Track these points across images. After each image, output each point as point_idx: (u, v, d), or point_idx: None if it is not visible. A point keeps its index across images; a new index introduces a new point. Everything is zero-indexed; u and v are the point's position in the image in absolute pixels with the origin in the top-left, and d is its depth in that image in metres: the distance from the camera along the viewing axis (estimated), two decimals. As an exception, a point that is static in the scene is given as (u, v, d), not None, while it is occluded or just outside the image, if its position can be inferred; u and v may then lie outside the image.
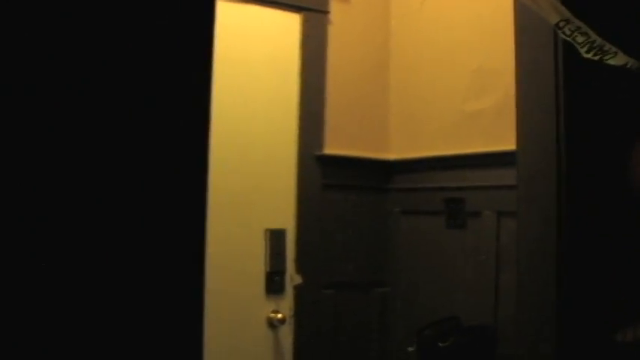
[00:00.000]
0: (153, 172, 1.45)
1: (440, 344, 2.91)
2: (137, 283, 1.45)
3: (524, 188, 2.48)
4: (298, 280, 3.38)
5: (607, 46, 2.06)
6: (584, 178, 2.33)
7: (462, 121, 3.31)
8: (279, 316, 3.31)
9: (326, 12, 3.56)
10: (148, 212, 1.46)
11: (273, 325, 3.31)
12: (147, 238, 1.46)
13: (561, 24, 2.04)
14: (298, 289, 3.39)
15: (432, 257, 3.42)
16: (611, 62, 2.10)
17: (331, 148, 3.52)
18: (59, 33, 1.35)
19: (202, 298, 1.55)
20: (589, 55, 2.08)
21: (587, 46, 2.07)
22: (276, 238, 3.35)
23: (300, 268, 3.40)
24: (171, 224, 1.48)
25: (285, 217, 3.40)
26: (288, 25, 3.47)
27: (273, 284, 3.34)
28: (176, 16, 1.48)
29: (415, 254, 3.51)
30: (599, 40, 2.05)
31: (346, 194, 3.57)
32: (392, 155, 3.70)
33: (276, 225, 3.37)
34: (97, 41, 1.39)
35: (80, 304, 1.38)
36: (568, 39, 2.07)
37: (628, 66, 2.11)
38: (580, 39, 2.06)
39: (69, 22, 1.37)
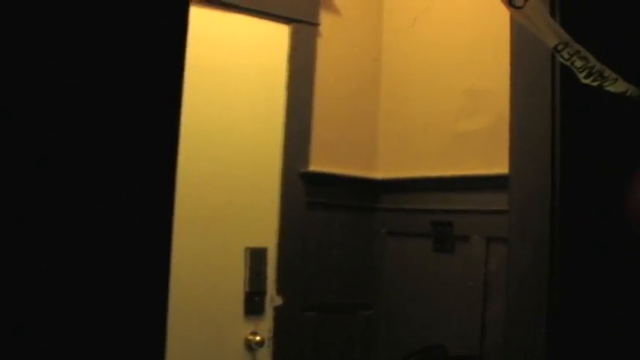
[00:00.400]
0: (116, 184, 1.34)
1: (424, 374, 2.81)
2: (98, 303, 1.34)
3: (516, 213, 2.39)
4: (279, 301, 3.28)
5: (607, 72, 1.98)
6: (580, 204, 2.25)
7: (453, 141, 3.22)
8: (258, 338, 3.20)
9: (316, 24, 3.46)
10: (110, 228, 1.35)
11: (251, 347, 3.20)
12: (108, 255, 1.35)
13: (560, 47, 1.96)
14: (278, 311, 3.28)
15: (418, 281, 3.33)
16: (611, 89, 2.02)
17: (317, 165, 3.42)
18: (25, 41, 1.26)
19: (166, 319, 1.43)
20: (588, 81, 2.00)
21: (586, 71, 1.99)
22: (256, 256, 3.24)
23: (281, 288, 3.29)
24: (134, 240, 1.37)
25: (266, 235, 3.29)
26: (277, 36, 3.38)
27: (253, 305, 3.23)
28: (147, 25, 1.37)
29: (401, 277, 3.42)
30: (598, 66, 1.97)
31: (331, 213, 3.47)
32: (379, 174, 3.60)
33: (257, 243, 3.26)
34: (60, 49, 1.29)
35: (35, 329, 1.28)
36: (566, 63, 1.99)
37: (628, 93, 2.04)
38: (579, 63, 1.98)
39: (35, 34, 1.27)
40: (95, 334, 1.36)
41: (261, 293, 3.25)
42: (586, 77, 1.97)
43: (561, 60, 1.99)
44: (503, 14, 2.18)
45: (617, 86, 1.99)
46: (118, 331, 1.39)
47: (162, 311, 1.43)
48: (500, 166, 2.62)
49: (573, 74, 2.01)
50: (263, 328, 3.25)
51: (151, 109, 1.41)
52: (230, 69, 3.23)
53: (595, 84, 1.98)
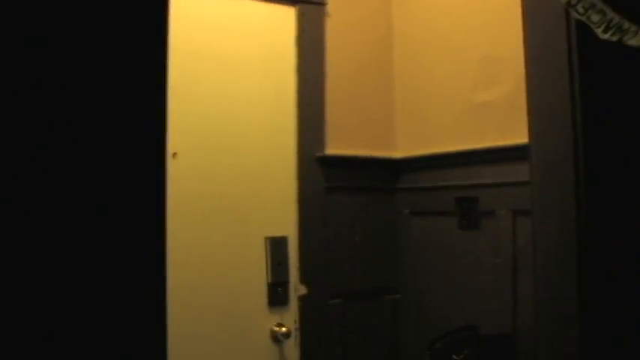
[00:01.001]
0: (99, 175, 1.26)
1: (454, 357, 2.71)
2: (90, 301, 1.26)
3: (538, 184, 2.28)
4: (302, 290, 3.19)
5: (626, 25, 1.86)
6: (605, 171, 2.13)
7: (471, 113, 3.11)
8: (284, 329, 3.12)
9: (323, 4, 3.37)
10: (95, 223, 1.26)
11: (277, 339, 3.13)
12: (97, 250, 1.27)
13: (573, 1, 1.85)
14: (303, 300, 3.20)
15: (444, 261, 3.23)
16: (632, 43, 1.89)
17: (333, 148, 3.32)
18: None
19: (165, 319, 1.34)
20: (606, 36, 1.88)
21: (604, 25, 1.87)
22: (277, 246, 3.16)
23: (304, 277, 3.21)
24: (123, 237, 1.28)
25: (286, 223, 3.21)
26: (283, 19, 3.28)
27: (276, 296, 3.15)
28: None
29: (427, 258, 3.33)
30: (617, 18, 1.85)
31: (351, 197, 3.37)
32: (398, 153, 3.50)
33: (276, 232, 3.18)
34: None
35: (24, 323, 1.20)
36: (582, 18, 1.87)
37: (650, 46, 1.91)
38: (595, 18, 1.86)
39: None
40: (89, 331, 1.27)
41: (285, 283, 3.18)
42: (604, 32, 1.85)
43: (576, 15, 1.87)
44: (513, -25, 2.07)
45: (638, 39, 1.86)
46: (114, 330, 1.30)
47: (161, 310, 1.33)
48: (522, 136, 2.51)
49: (590, 31, 1.89)
50: (288, 319, 3.17)
51: (134, 97, 1.31)
52: (238, 55, 3.15)
53: (614, 38, 1.86)
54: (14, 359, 1.20)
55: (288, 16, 3.29)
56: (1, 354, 1.20)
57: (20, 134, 1.21)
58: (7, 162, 1.21)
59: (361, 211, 3.40)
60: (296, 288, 3.19)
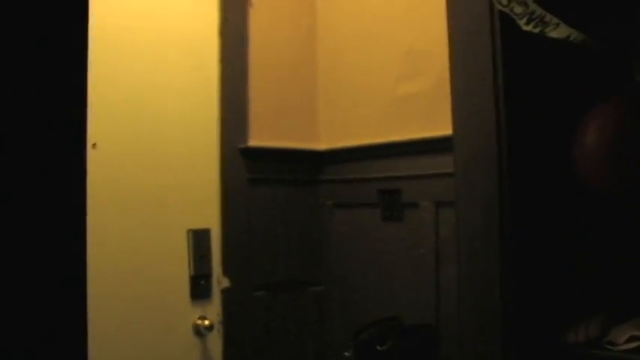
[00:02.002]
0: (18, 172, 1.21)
1: (378, 347, 2.72)
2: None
3: (462, 176, 2.29)
4: (226, 283, 3.16)
5: (548, 17, 1.89)
6: (528, 162, 2.16)
7: (394, 106, 3.13)
8: (207, 322, 3.07)
9: (246, -7, 3.32)
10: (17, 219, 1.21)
11: (200, 332, 3.08)
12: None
13: (497, -8, 1.86)
14: (226, 293, 3.16)
15: (368, 252, 3.24)
16: (553, 35, 1.93)
17: (256, 140, 3.29)
18: None
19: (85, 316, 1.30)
20: (528, 28, 1.91)
21: (527, 17, 1.89)
22: (199, 238, 3.11)
23: (227, 270, 3.17)
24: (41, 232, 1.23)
25: (208, 215, 3.16)
26: (205, 7, 3.22)
27: (199, 289, 3.10)
28: None
29: (350, 250, 3.33)
30: (539, 11, 1.88)
31: (274, 188, 3.35)
32: (321, 145, 3.48)
33: (199, 225, 3.13)
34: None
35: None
36: (505, 9, 1.89)
37: (571, 39, 1.95)
38: (518, 9, 1.88)
39: None
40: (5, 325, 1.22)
41: (207, 276, 3.13)
42: (526, 24, 1.88)
43: (499, 7, 1.89)
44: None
45: (559, 32, 1.89)
46: (33, 324, 1.25)
47: (80, 304, 1.29)
48: (445, 128, 2.53)
49: (513, 23, 1.92)
50: (211, 312, 3.13)
51: (53, 84, 1.26)
52: (160, 44, 3.08)
53: (536, 30, 1.89)
54: None
55: (210, 4, 3.24)
56: None
57: None
58: None
59: (284, 203, 3.38)
60: (219, 281, 3.15)
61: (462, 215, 2.29)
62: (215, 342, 3.13)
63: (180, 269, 3.08)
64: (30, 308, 1.23)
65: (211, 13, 3.22)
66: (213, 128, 3.19)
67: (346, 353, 2.84)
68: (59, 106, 1.25)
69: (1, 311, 1.21)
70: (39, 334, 1.24)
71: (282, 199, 3.37)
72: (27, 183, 1.23)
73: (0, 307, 1.21)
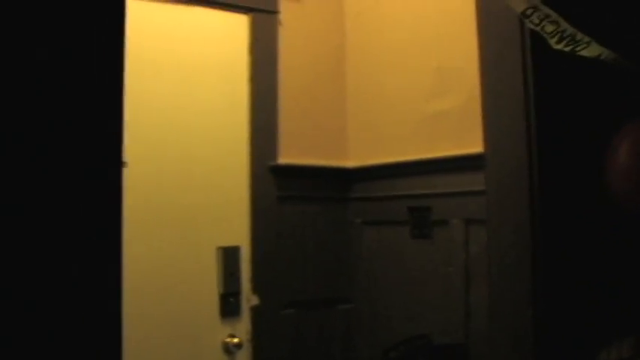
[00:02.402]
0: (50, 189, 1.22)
1: (408, 366, 2.71)
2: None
3: (494, 194, 2.29)
4: (255, 300, 3.16)
5: (579, 36, 1.88)
6: (559, 180, 2.15)
7: (424, 123, 3.12)
8: (236, 340, 3.09)
9: (276, 12, 3.35)
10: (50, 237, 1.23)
11: (229, 350, 3.09)
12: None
13: (528, 12, 1.86)
14: (255, 311, 3.17)
15: (397, 270, 3.23)
16: (584, 53, 1.91)
17: (286, 158, 3.30)
18: None
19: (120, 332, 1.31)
20: (559, 46, 1.90)
21: (558, 36, 1.88)
22: (229, 256, 3.13)
23: (256, 287, 3.18)
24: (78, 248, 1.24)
25: (238, 233, 3.18)
26: (236, 27, 3.26)
27: (228, 306, 3.12)
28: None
29: (379, 267, 3.32)
30: (570, 29, 1.87)
31: (304, 206, 3.35)
32: (351, 163, 3.49)
33: (228, 242, 3.14)
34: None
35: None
36: (536, 29, 1.88)
37: (602, 57, 1.93)
38: (549, 28, 1.87)
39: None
40: (43, 343, 1.23)
41: (237, 294, 3.15)
42: (558, 42, 1.87)
43: (531, 26, 1.89)
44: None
45: (590, 50, 1.88)
46: (69, 343, 1.26)
47: (116, 321, 1.30)
48: (475, 146, 2.53)
49: (544, 41, 1.91)
50: (241, 330, 3.14)
51: (89, 107, 1.28)
52: (191, 64, 3.12)
53: (567, 49, 1.88)
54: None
55: (241, 24, 3.27)
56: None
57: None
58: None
59: (314, 221, 3.39)
60: (248, 298, 3.16)
61: (493, 233, 2.28)
62: (244, 360, 3.14)
63: (210, 287, 3.10)
64: (66, 325, 1.24)
65: (241, 33, 3.25)
66: (243, 146, 3.21)
67: (376, 371, 2.83)
68: (97, 125, 1.27)
69: (37, 327, 1.22)
70: (77, 350, 1.25)
71: (311, 216, 3.38)
72: (64, 200, 1.24)
73: (34, 323, 1.22)
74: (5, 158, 1.18)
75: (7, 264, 1.18)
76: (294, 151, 3.33)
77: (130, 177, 2.78)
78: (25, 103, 1.21)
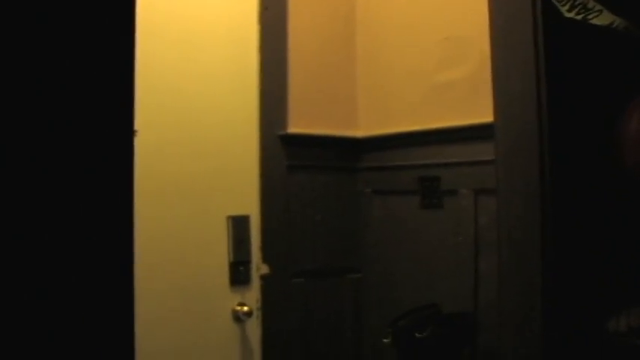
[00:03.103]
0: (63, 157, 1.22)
1: (417, 335, 2.72)
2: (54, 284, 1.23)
3: (503, 163, 2.28)
4: (265, 269, 3.18)
5: (591, 4, 1.86)
6: (570, 150, 2.14)
7: (434, 93, 3.11)
8: (246, 308, 3.10)
9: (286, -21, 3.32)
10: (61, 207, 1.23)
11: (239, 318, 3.10)
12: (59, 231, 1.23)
13: (540, -20, 1.84)
14: (265, 280, 3.18)
15: (406, 240, 3.24)
16: (596, 22, 1.90)
17: (295, 127, 3.29)
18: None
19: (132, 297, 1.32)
20: (571, 15, 1.89)
21: (569, 3, 1.87)
22: (239, 225, 3.13)
23: (266, 256, 3.19)
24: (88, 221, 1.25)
25: (248, 202, 3.18)
26: (245, -5, 3.23)
27: (238, 275, 3.12)
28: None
29: (389, 237, 3.33)
30: (581, -3, 1.85)
31: (313, 175, 3.36)
32: (360, 132, 3.48)
33: (238, 211, 3.15)
34: None
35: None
36: (547, -4, 1.87)
37: (614, 26, 1.92)
38: (561, -4, 1.86)
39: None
40: (53, 309, 1.24)
41: (246, 263, 3.15)
42: (569, 10, 1.86)
43: (542, -6, 1.87)
44: (478, -49, 2.06)
45: (602, 18, 1.87)
46: (81, 309, 1.27)
47: (128, 290, 1.31)
48: (485, 115, 2.51)
49: (555, 9, 1.89)
50: (250, 298, 3.15)
51: (98, 75, 1.27)
52: (200, 31, 3.10)
53: (579, 17, 1.86)
54: None
55: (250, -10, 3.24)
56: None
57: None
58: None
59: (323, 190, 3.39)
60: (258, 267, 3.17)
61: (503, 203, 2.27)
62: (254, 328, 3.15)
63: (220, 255, 3.10)
64: (79, 294, 1.25)
65: (251, 1, 3.23)
66: (252, 115, 3.20)
67: (384, 340, 2.84)
68: (107, 92, 1.26)
69: (49, 297, 1.23)
70: (90, 319, 1.25)
71: (320, 186, 3.38)
72: (74, 170, 1.25)
73: (45, 293, 1.23)
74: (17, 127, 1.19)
75: (25, 229, 1.19)
76: (303, 121, 3.33)
77: (139, 145, 2.79)
78: (35, 69, 1.20)
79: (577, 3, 1.86)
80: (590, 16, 1.89)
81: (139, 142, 2.80)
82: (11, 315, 1.19)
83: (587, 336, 2.08)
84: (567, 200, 2.12)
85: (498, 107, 2.27)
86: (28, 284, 1.21)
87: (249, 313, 3.10)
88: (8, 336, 1.19)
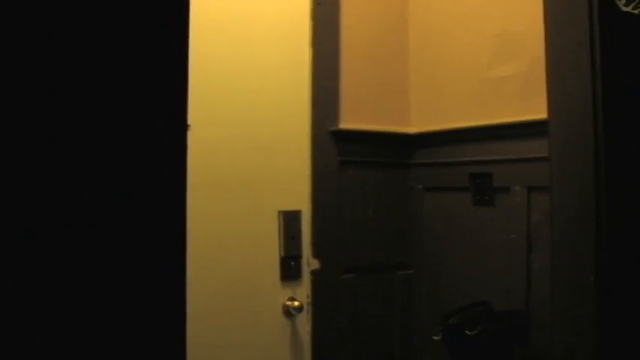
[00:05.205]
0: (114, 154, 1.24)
1: (467, 332, 2.70)
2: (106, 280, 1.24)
3: (557, 160, 2.25)
4: (315, 264, 3.18)
5: (649, -2, 1.83)
6: (625, 147, 2.10)
7: (487, 89, 3.09)
8: (296, 303, 3.10)
9: (338, -26, 3.32)
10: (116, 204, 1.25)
11: (289, 313, 3.11)
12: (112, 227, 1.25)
13: (596, -27, 1.81)
14: (315, 275, 3.18)
15: (458, 236, 3.22)
16: (654, 16, 1.87)
17: (347, 123, 3.30)
18: None
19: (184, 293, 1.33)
20: (628, 9, 1.86)
21: (626, -2, 1.84)
22: (290, 220, 3.14)
23: (316, 251, 3.19)
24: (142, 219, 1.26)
25: (299, 197, 3.18)
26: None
27: (289, 270, 3.13)
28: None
29: (440, 234, 3.31)
30: (639, -9, 1.82)
31: (365, 171, 3.35)
32: (413, 128, 3.47)
33: (290, 206, 3.15)
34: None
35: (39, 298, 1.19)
36: (604, -9, 1.84)
37: (673, 20, 1.88)
38: (618, -10, 1.83)
39: None
40: (105, 301, 1.26)
41: (297, 257, 3.16)
42: (626, 5, 1.83)
43: (598, -12, 1.85)
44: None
45: (660, 13, 1.83)
46: (134, 303, 1.28)
47: (180, 286, 1.32)
48: (539, 112, 2.49)
49: (612, 3, 1.86)
50: (301, 293, 3.16)
51: (151, 71, 1.29)
52: (251, 27, 3.10)
53: (636, 12, 1.83)
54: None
55: (302, -14, 3.25)
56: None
57: (36, 99, 1.19)
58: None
59: (375, 186, 3.38)
60: (309, 262, 3.18)
61: (556, 201, 2.25)
62: (304, 323, 3.16)
63: (271, 250, 3.11)
64: (132, 289, 1.27)
65: (304, -4, 3.23)
66: (304, 110, 3.21)
67: (435, 337, 2.83)
68: (161, 87, 1.28)
69: (102, 291, 1.25)
70: (142, 314, 1.27)
71: (372, 181, 3.38)
72: (128, 165, 1.26)
73: (99, 288, 1.24)
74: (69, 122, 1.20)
75: (77, 225, 1.21)
76: (356, 116, 3.33)
77: (192, 140, 2.82)
78: (90, 65, 1.22)
79: (634, -3, 1.83)
80: (647, 11, 1.86)
81: (192, 138, 2.84)
82: (62, 309, 1.21)
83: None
84: (621, 198, 2.08)
85: (552, 104, 2.25)
86: (80, 279, 1.23)
87: (299, 308, 3.10)
88: (63, 327, 1.21)
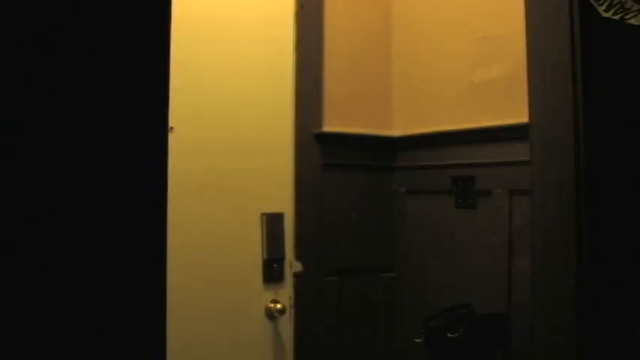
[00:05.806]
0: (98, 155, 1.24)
1: (449, 335, 2.72)
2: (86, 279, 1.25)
3: (538, 164, 2.27)
4: (298, 267, 3.18)
5: (629, 4, 1.85)
6: (605, 150, 2.12)
7: (469, 93, 3.10)
8: (279, 306, 3.10)
9: (322, -23, 3.33)
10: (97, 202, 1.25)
11: (272, 316, 3.11)
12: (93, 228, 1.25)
13: (577, -21, 1.83)
14: (298, 277, 3.18)
15: (440, 240, 3.23)
16: (633, 22, 1.89)
17: (331, 126, 3.31)
18: None
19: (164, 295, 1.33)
20: (608, 14, 1.88)
21: (607, 3, 1.86)
22: (273, 222, 3.14)
23: (299, 254, 3.19)
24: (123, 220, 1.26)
25: (282, 200, 3.18)
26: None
27: (272, 272, 3.12)
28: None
29: (422, 236, 3.33)
30: (619, -3, 1.84)
31: (348, 174, 3.36)
32: (396, 131, 3.48)
33: (273, 209, 3.15)
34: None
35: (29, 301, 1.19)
36: (584, -4, 1.86)
37: (653, 26, 1.90)
38: (598, -4, 1.85)
39: None
40: (89, 302, 1.26)
41: (280, 260, 3.15)
42: (606, 10, 1.85)
43: (579, -7, 1.86)
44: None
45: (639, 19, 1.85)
46: (116, 303, 1.29)
47: (161, 288, 1.32)
48: (521, 116, 2.50)
49: (592, 9, 1.88)
50: (283, 296, 3.15)
51: (134, 71, 1.29)
52: (236, 29, 3.10)
53: (617, 17, 1.85)
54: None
55: (286, -12, 3.25)
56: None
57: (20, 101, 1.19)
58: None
59: (358, 189, 3.39)
60: (291, 265, 3.18)
61: (537, 204, 2.26)
62: (286, 325, 3.15)
63: (254, 253, 3.11)
64: (112, 290, 1.27)
65: (288, 0, 3.23)
66: (288, 113, 3.20)
67: (417, 339, 2.84)
68: (142, 89, 1.28)
69: (85, 291, 1.25)
70: (123, 315, 1.27)
71: (355, 184, 3.39)
72: (108, 165, 1.26)
73: (79, 288, 1.24)
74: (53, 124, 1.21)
75: (58, 225, 1.21)
76: (338, 119, 3.33)
77: (175, 142, 2.81)
78: (70, 66, 1.22)
79: (615, 2, 1.85)
80: (627, 16, 1.88)
81: (174, 139, 2.84)
82: (45, 308, 1.21)
83: (620, 338, 2.07)
84: (602, 201, 2.10)
85: (534, 108, 2.27)
86: (60, 280, 1.23)
87: (282, 311, 3.10)
88: (44, 329, 1.21)
